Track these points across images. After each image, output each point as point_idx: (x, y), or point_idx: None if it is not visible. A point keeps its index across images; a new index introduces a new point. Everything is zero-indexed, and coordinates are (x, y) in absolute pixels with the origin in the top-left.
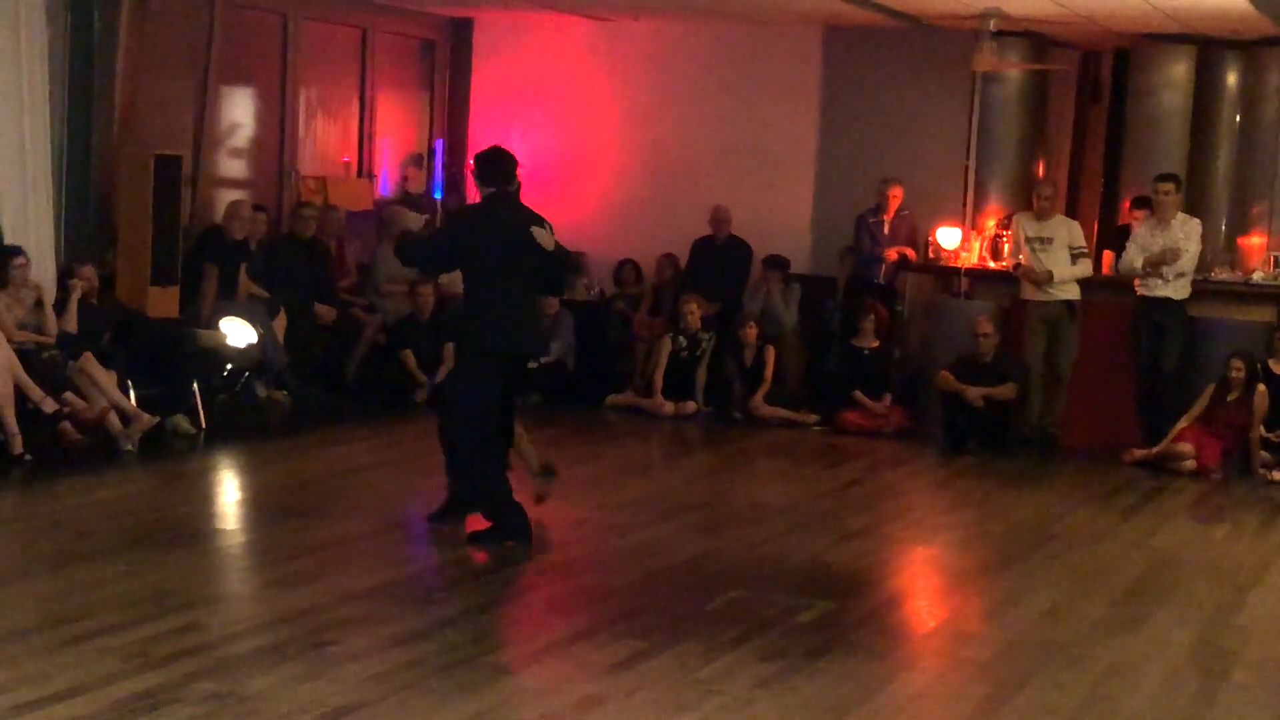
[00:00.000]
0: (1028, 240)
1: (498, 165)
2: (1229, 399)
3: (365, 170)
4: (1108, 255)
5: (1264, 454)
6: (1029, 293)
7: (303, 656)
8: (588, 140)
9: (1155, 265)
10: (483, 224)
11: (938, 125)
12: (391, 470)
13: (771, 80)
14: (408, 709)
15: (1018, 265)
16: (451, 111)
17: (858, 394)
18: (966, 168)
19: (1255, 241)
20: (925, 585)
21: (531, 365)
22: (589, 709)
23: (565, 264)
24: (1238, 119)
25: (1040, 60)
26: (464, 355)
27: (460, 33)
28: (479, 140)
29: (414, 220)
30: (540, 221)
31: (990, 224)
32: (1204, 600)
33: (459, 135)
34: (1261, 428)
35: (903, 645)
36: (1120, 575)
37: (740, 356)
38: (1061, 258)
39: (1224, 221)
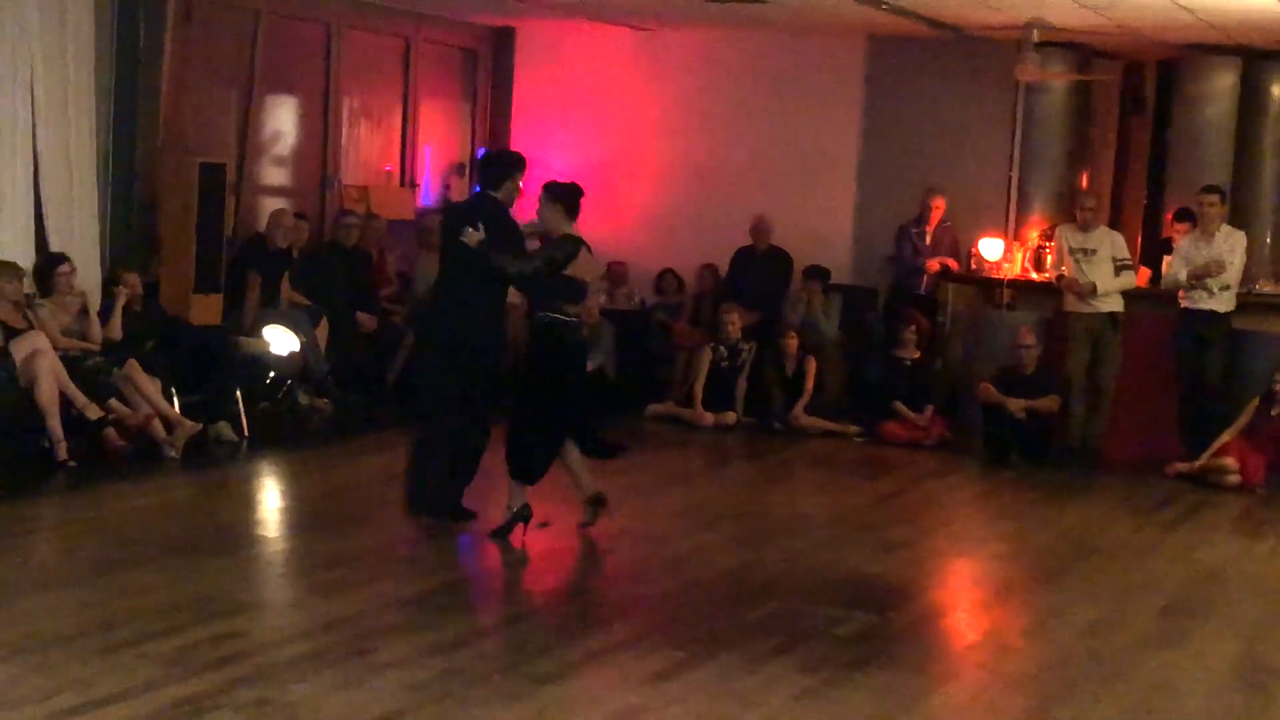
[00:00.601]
0: (1071, 252)
1: (486, 167)
2: (1273, 413)
3: (407, 179)
4: (1144, 271)
5: None
6: (1072, 305)
7: (343, 664)
8: (629, 149)
9: (1199, 278)
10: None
11: (981, 135)
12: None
13: (813, 90)
14: (447, 717)
15: (1061, 277)
16: (493, 120)
17: (899, 405)
18: (1010, 178)
19: None
20: (967, 598)
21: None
22: (628, 719)
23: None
24: None
25: (1084, 71)
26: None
27: (502, 42)
28: (520, 149)
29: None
30: (474, 221)
31: (1033, 235)
32: (1248, 615)
33: (501, 143)
34: None
35: (944, 658)
36: (1163, 590)
37: (781, 367)
38: (1105, 270)
39: (1269, 234)
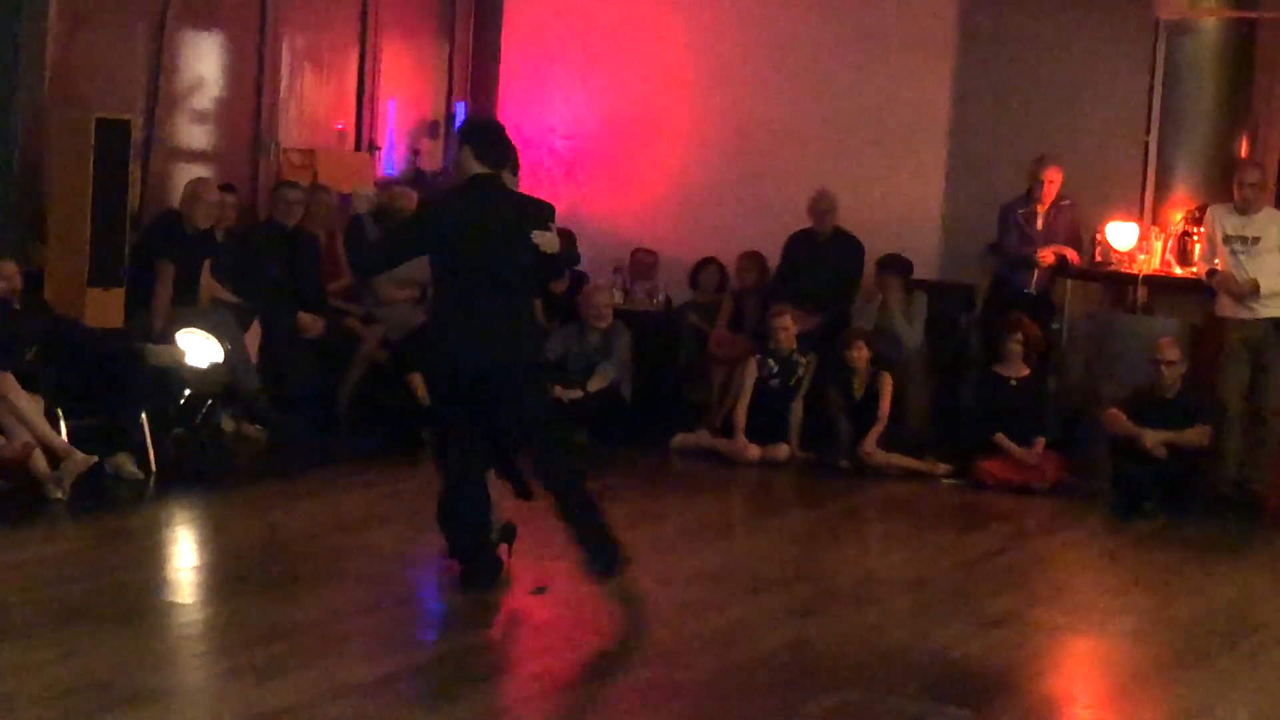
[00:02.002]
0: (1226, 240)
1: (500, 140)
2: None
3: (365, 141)
4: None
5: None
6: (1227, 308)
7: None
8: (652, 107)
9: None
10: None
11: (1108, 90)
12: (395, 527)
13: (892, 33)
14: None
15: (1212, 272)
16: (476, 67)
17: (1001, 437)
18: (1146, 144)
19: None
20: (1088, 689)
21: (577, 393)
22: None
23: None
24: None
25: (1244, 6)
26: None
27: None
28: (511, 104)
29: (366, 200)
30: (543, 220)
31: (1177, 218)
32: None
33: (485, 97)
34: None
35: None
36: None
37: (848, 386)
38: (1271, 264)
39: None
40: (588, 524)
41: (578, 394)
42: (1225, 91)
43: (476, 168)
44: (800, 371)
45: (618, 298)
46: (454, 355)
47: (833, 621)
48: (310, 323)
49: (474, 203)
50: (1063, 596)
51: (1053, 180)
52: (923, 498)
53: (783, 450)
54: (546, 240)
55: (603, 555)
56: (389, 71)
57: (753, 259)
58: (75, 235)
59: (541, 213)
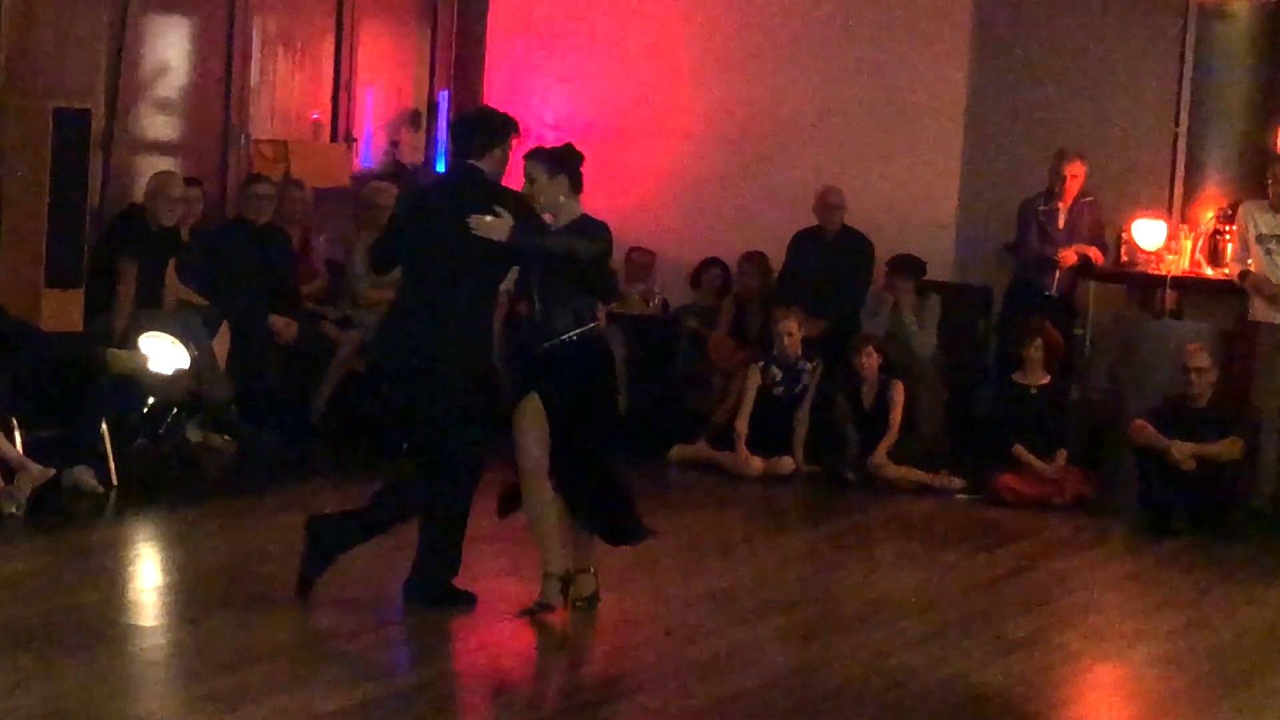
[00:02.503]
0: (1260, 239)
1: (468, 129)
2: None
3: (342, 132)
4: None
5: None
6: (1261, 312)
7: None
8: (649, 97)
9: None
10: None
11: (1135, 79)
12: (372, 546)
13: (904, 19)
14: None
15: (1245, 274)
16: (460, 54)
17: (1020, 449)
18: (1175, 137)
19: None
20: (1113, 717)
21: None
22: None
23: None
24: None
25: None
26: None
27: None
28: (497, 93)
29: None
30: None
31: (1207, 216)
32: None
33: (470, 86)
34: None
35: None
36: None
37: (857, 395)
38: None
39: None
40: (436, 544)
41: None
42: (1260, 81)
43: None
44: (806, 379)
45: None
46: (377, 350)
47: (839, 647)
48: (283, 326)
49: (435, 192)
50: (1085, 620)
51: (1075, 175)
52: (936, 514)
53: (787, 463)
54: (484, 225)
55: (429, 582)
56: (367, 58)
57: (754, 261)
58: (31, 233)
59: (518, 207)
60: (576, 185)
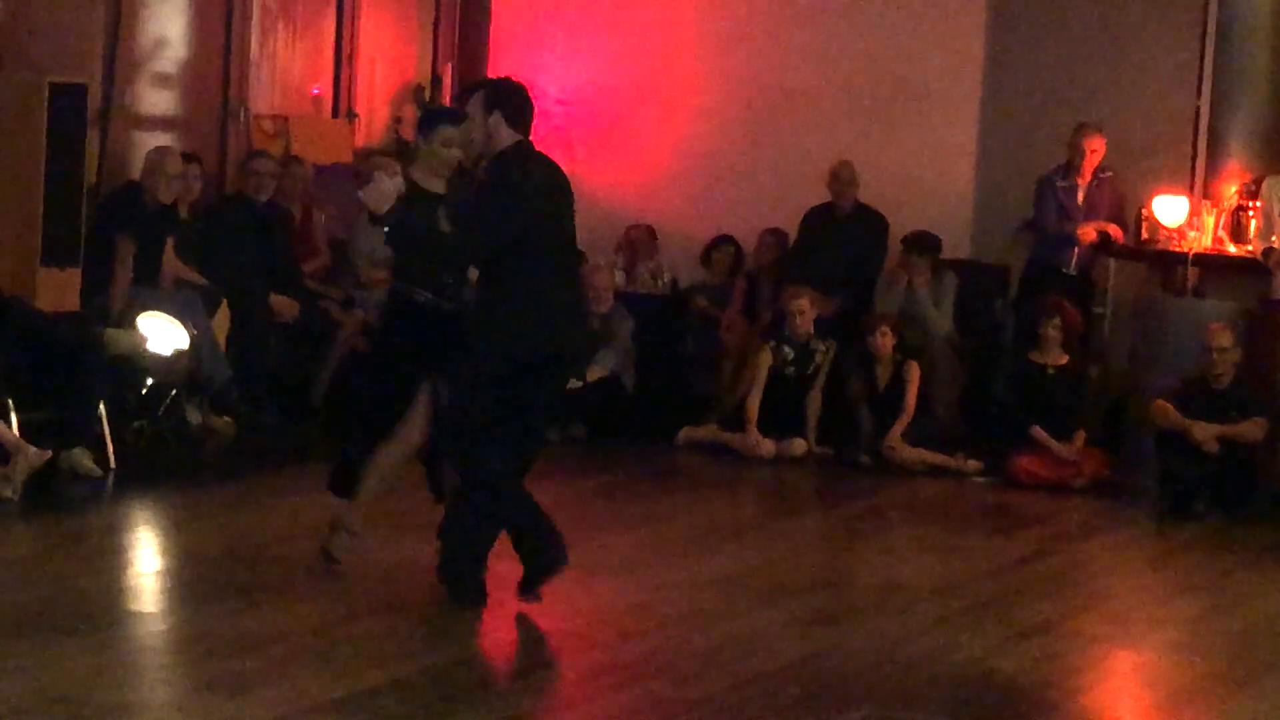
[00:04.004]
0: None
1: (528, 104)
2: None
3: (343, 108)
4: None
5: None
6: None
7: None
8: (657, 70)
9: None
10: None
11: (1155, 51)
12: (375, 529)
13: None
14: None
15: (1269, 251)
16: (464, 26)
17: (1037, 431)
18: (1196, 110)
19: None
20: (1132, 705)
21: (574, 383)
22: None
23: None
24: None
25: None
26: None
27: None
28: (502, 67)
29: (389, 186)
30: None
31: (1230, 191)
32: None
33: (474, 60)
34: None
35: None
36: None
37: (870, 376)
38: None
39: None
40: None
41: (576, 384)
42: None
43: (509, 135)
44: (818, 359)
45: (619, 279)
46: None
47: (853, 632)
48: (284, 306)
49: (551, 169)
50: (1103, 605)
51: (1095, 150)
52: (951, 497)
53: (799, 445)
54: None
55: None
56: (369, 31)
57: (771, 237)
58: (27, 210)
59: None
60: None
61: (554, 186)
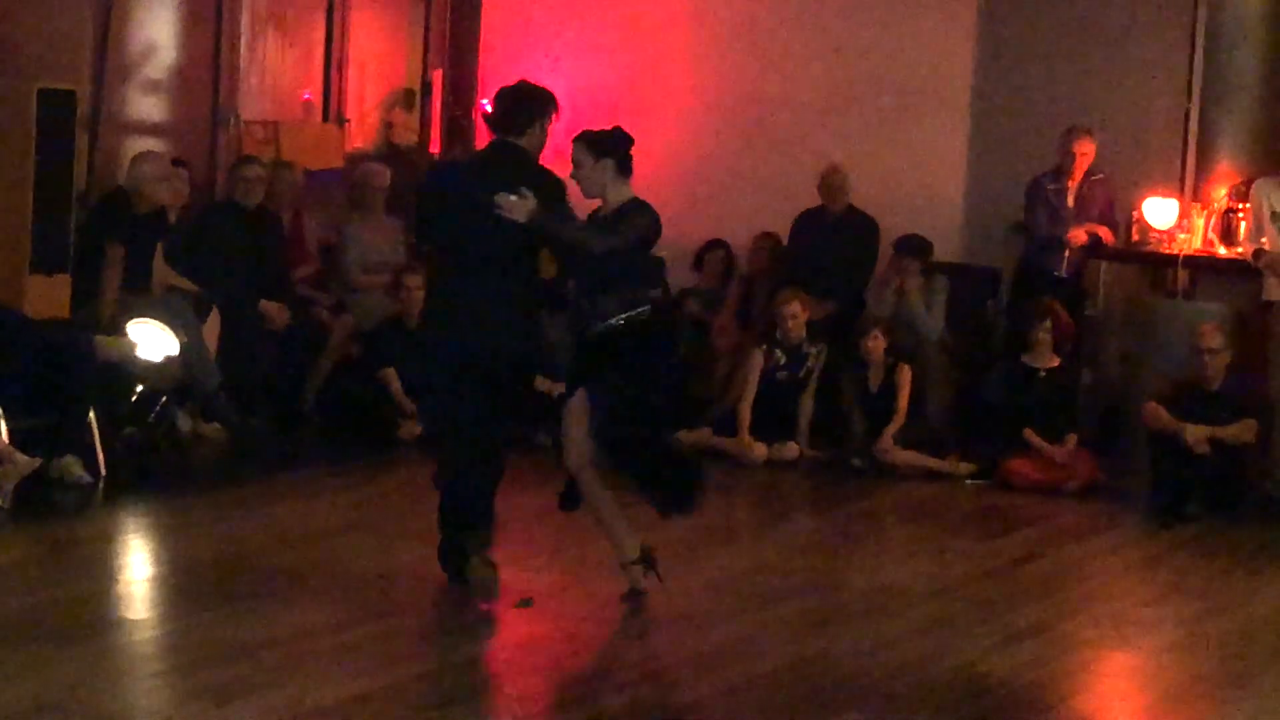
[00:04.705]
0: (1274, 217)
1: (508, 105)
2: None
3: (334, 113)
4: None
5: None
6: (1275, 292)
7: None
8: (649, 75)
9: None
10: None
11: (1145, 52)
12: (367, 535)
13: None
14: None
15: (1259, 253)
16: (455, 32)
17: (1029, 434)
18: (1187, 112)
19: None
20: (1125, 706)
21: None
22: None
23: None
24: None
25: None
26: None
27: None
28: (493, 73)
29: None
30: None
31: (1220, 194)
32: None
33: (465, 65)
34: None
35: None
36: None
37: (862, 379)
38: None
39: None
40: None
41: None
42: (1273, 55)
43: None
44: (810, 363)
45: None
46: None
47: (845, 636)
48: (274, 312)
49: (470, 169)
50: (1096, 607)
51: (1085, 153)
52: (944, 500)
53: (791, 449)
54: (507, 203)
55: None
56: (359, 37)
57: (769, 240)
58: (15, 216)
59: (548, 188)
60: (624, 168)
61: (449, 186)
